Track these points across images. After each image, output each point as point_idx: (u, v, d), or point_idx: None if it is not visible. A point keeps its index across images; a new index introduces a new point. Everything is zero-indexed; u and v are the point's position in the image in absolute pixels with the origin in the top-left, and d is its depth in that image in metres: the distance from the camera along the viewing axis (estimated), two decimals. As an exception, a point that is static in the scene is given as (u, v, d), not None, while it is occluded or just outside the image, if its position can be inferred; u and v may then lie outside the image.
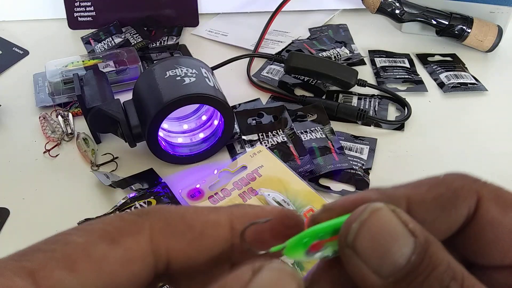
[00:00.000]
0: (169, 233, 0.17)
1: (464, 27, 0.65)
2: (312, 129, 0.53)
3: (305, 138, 0.52)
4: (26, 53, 0.67)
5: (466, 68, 0.64)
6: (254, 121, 0.53)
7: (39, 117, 0.55)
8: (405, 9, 0.66)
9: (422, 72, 0.64)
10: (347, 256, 0.16)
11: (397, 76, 0.63)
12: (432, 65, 0.65)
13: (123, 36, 0.68)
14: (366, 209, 0.16)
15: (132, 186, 0.46)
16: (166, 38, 0.70)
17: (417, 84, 0.61)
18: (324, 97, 0.59)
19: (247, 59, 0.64)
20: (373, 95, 0.59)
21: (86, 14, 0.71)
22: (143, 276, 0.17)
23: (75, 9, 0.71)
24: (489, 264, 0.17)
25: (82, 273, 0.16)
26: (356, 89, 0.59)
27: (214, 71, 0.53)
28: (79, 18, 0.71)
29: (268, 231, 0.18)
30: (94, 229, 0.17)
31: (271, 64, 0.64)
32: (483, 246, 0.17)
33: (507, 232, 0.17)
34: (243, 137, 0.52)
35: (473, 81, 0.61)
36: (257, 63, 0.65)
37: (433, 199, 0.17)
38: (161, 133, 0.48)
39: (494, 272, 0.17)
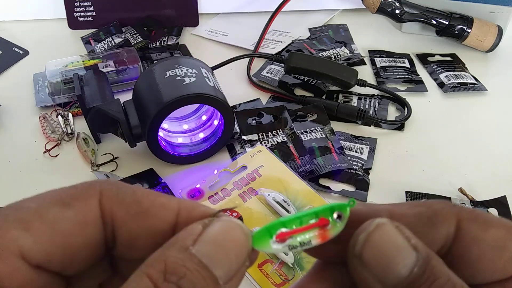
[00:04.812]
0: (117, 203, 0.18)
1: (464, 27, 0.65)
2: (312, 129, 0.53)
3: (305, 138, 0.52)
4: (26, 53, 0.67)
5: (466, 68, 0.64)
6: (254, 121, 0.53)
7: (39, 117, 0.55)
8: (405, 9, 0.66)
9: (422, 72, 0.64)
10: (354, 265, 0.17)
11: (397, 76, 0.63)
12: (432, 65, 0.65)
13: (123, 36, 0.68)
14: (373, 222, 0.17)
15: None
16: (166, 38, 0.70)
17: (417, 84, 0.61)
18: (324, 97, 0.59)
19: (247, 59, 0.64)
20: (373, 95, 0.59)
21: (86, 14, 0.71)
22: (96, 241, 0.18)
23: (75, 9, 0.71)
24: (479, 281, 0.18)
25: (36, 232, 0.16)
26: (356, 89, 0.59)
27: (214, 71, 0.53)
28: (79, 18, 0.71)
29: None
30: (46, 196, 0.17)
31: (271, 64, 0.64)
32: (471, 264, 0.17)
33: (491, 248, 0.17)
34: (243, 137, 0.52)
35: (473, 81, 0.61)
36: (257, 63, 0.65)
37: (414, 215, 0.18)
38: (161, 133, 0.48)
39: None
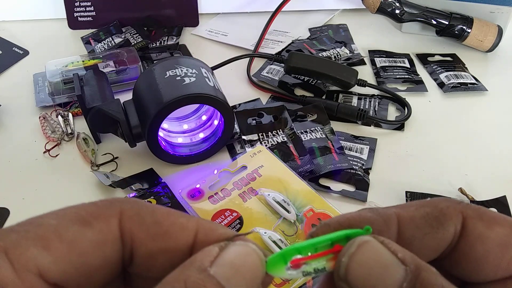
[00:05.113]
0: (137, 223, 0.18)
1: (464, 27, 0.65)
2: (312, 129, 0.53)
3: (305, 138, 0.52)
4: (26, 53, 0.67)
5: (466, 68, 0.64)
6: (254, 121, 0.53)
7: (39, 117, 0.55)
8: (405, 9, 0.66)
9: (422, 72, 0.64)
10: None
11: (397, 76, 0.63)
12: (432, 65, 0.65)
13: (123, 36, 0.68)
14: (354, 242, 0.17)
15: (132, 186, 0.46)
16: (166, 38, 0.70)
17: (417, 84, 0.61)
18: (324, 97, 0.59)
19: (247, 59, 0.64)
20: (373, 95, 0.59)
21: (86, 14, 0.71)
22: (113, 260, 0.18)
23: (75, 9, 0.71)
24: (483, 279, 0.18)
25: (55, 252, 0.16)
26: (356, 89, 0.59)
27: (214, 71, 0.53)
28: (79, 18, 0.71)
29: None
30: (67, 212, 0.17)
31: (271, 64, 0.64)
32: (475, 262, 0.17)
33: (496, 246, 0.17)
34: (243, 137, 0.52)
35: (473, 81, 0.61)
36: (257, 63, 0.65)
37: (421, 217, 0.18)
38: (161, 133, 0.48)
39: (489, 287, 0.18)
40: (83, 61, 0.59)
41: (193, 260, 0.17)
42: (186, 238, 0.18)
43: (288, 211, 0.43)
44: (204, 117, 0.52)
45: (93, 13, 0.71)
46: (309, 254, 0.17)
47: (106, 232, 0.17)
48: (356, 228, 0.18)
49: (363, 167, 0.49)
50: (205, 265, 0.16)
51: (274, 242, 0.41)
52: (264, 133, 0.52)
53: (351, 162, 0.50)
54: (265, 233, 0.41)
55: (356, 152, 0.51)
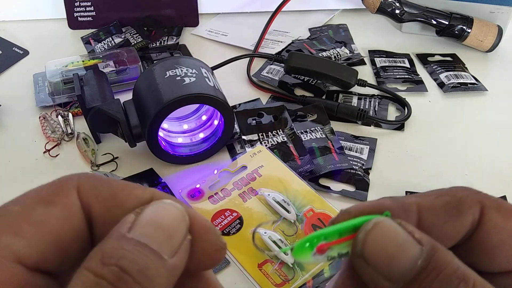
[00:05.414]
0: (94, 196, 0.18)
1: (464, 27, 0.65)
2: (312, 129, 0.53)
3: (305, 138, 0.52)
4: (26, 53, 0.67)
5: (466, 68, 0.64)
6: (254, 121, 0.53)
7: (39, 117, 0.55)
8: (405, 9, 0.66)
9: (422, 72, 0.64)
10: (359, 265, 0.17)
11: (397, 76, 0.63)
12: (432, 65, 0.65)
13: (123, 36, 0.68)
14: (371, 221, 0.17)
15: (132, 186, 0.46)
16: (166, 38, 0.70)
17: (417, 84, 0.61)
18: (324, 97, 0.59)
19: (247, 59, 0.64)
20: (373, 95, 0.59)
21: (86, 14, 0.71)
22: (83, 233, 0.18)
23: (75, 9, 0.71)
24: (496, 269, 0.18)
25: (26, 235, 0.16)
26: (356, 89, 0.59)
27: (214, 71, 0.53)
28: (79, 18, 0.71)
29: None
30: (28, 196, 0.18)
31: (271, 64, 0.64)
32: (490, 252, 0.18)
33: (510, 237, 0.18)
34: (243, 137, 0.52)
35: (473, 81, 0.61)
36: (257, 63, 0.65)
37: (441, 206, 0.18)
38: (161, 133, 0.48)
39: (501, 277, 0.18)
40: (83, 61, 0.59)
41: (110, 232, 0.16)
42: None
43: (288, 211, 0.43)
44: (204, 117, 0.52)
45: (93, 13, 0.71)
46: (334, 240, 0.18)
47: (69, 206, 0.17)
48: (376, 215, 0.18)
49: (363, 167, 0.49)
50: (122, 232, 0.16)
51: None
52: (264, 133, 0.52)
53: (351, 162, 0.50)
54: (265, 233, 0.41)
55: (356, 152, 0.51)
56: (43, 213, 0.17)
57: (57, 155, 0.51)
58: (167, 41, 0.69)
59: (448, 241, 0.18)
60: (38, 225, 0.17)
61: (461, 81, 0.61)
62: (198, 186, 0.46)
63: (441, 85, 0.61)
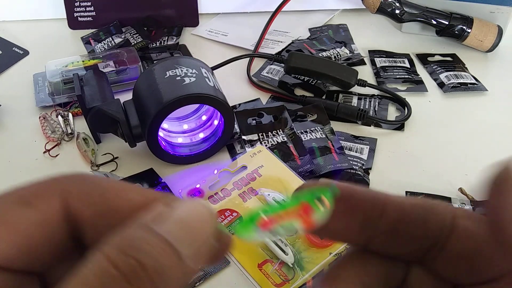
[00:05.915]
0: (84, 202, 0.17)
1: (464, 27, 0.65)
2: (312, 129, 0.53)
3: (305, 138, 0.52)
4: (26, 53, 0.67)
5: (466, 68, 0.64)
6: (254, 121, 0.53)
7: (39, 117, 0.55)
8: (405, 9, 0.66)
9: (422, 72, 0.64)
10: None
11: (397, 76, 0.63)
12: (432, 65, 0.65)
13: (123, 36, 0.68)
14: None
15: (132, 186, 0.46)
16: (166, 38, 0.70)
17: (417, 84, 0.61)
18: (324, 97, 0.59)
19: (247, 59, 0.64)
20: (373, 95, 0.59)
21: (86, 14, 0.71)
22: (60, 238, 0.17)
23: (75, 9, 0.71)
24: (478, 279, 0.17)
25: None
26: (356, 89, 0.59)
27: (214, 71, 0.53)
28: (79, 18, 0.71)
29: None
30: (9, 194, 0.17)
31: (271, 64, 0.64)
32: (468, 261, 0.17)
33: (486, 244, 0.17)
34: (243, 137, 0.52)
35: (473, 81, 0.61)
36: (257, 63, 0.65)
37: (410, 205, 0.18)
38: (161, 133, 0.48)
39: None
40: (83, 61, 0.59)
41: (133, 220, 0.15)
42: (136, 213, 0.17)
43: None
44: (204, 117, 0.52)
45: (93, 13, 0.71)
46: (278, 214, 0.18)
47: (47, 211, 0.17)
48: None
49: (363, 167, 0.49)
50: (147, 222, 0.15)
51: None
52: (264, 133, 0.52)
53: (351, 162, 0.50)
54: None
55: (356, 152, 0.51)
56: (17, 214, 0.16)
57: (57, 155, 0.51)
58: (167, 41, 0.69)
59: (414, 241, 0.18)
60: (12, 226, 0.16)
61: (461, 81, 0.61)
62: (198, 186, 0.46)
63: (441, 85, 0.61)
